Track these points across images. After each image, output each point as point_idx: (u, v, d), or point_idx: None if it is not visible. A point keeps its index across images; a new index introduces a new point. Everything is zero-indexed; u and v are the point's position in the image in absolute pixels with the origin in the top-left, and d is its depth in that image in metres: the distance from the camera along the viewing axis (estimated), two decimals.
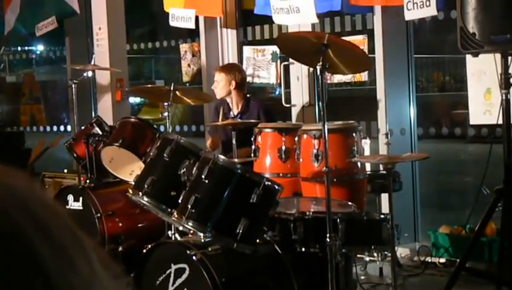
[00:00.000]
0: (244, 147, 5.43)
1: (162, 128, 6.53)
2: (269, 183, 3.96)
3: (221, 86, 6.34)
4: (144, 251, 4.09)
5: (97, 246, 0.57)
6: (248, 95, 6.44)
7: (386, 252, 5.56)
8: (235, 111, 6.32)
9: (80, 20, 9.05)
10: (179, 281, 3.94)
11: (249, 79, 7.06)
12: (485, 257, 5.66)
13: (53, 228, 0.54)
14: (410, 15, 5.67)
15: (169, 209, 4.24)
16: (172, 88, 5.28)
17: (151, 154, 4.58)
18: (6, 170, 0.56)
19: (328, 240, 3.93)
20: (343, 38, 5.20)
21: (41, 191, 0.57)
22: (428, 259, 5.96)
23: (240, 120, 5.98)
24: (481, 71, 5.63)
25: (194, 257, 3.83)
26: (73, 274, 0.53)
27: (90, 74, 7.16)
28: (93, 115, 8.01)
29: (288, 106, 7.11)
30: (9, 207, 0.53)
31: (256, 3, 6.79)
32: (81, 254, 0.55)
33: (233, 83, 6.28)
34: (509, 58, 4.57)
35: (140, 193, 4.40)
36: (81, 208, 5.67)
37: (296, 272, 4.02)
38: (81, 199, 5.70)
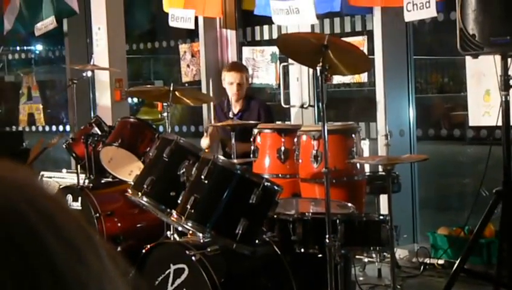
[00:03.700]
0: (243, 142, 5.43)
1: (161, 128, 6.52)
2: (268, 184, 3.96)
3: (246, 85, 6.28)
4: (143, 251, 4.09)
5: (106, 242, 0.57)
6: (248, 94, 6.42)
7: (384, 254, 5.55)
8: (235, 110, 6.29)
9: (79, 20, 9.06)
10: (178, 281, 3.93)
11: None
12: (484, 259, 5.66)
13: (61, 221, 0.54)
14: (410, 16, 5.67)
15: (168, 210, 4.24)
16: (171, 88, 5.27)
17: (151, 154, 4.58)
18: (13, 166, 0.57)
19: (327, 241, 3.93)
20: (343, 39, 5.20)
21: (47, 187, 0.57)
22: (427, 260, 5.96)
23: (239, 120, 5.97)
24: (480, 73, 5.64)
25: (193, 258, 3.82)
26: (82, 266, 0.53)
27: (89, 73, 7.14)
28: (92, 115, 8.00)
29: (287, 106, 7.11)
30: (18, 201, 0.53)
31: (256, 3, 6.79)
32: (89, 248, 0.55)
33: (249, 80, 6.34)
34: (509, 59, 4.57)
35: (139, 193, 4.39)
36: (80, 208, 5.66)
37: (295, 272, 4.02)
38: (79, 199, 5.69)
